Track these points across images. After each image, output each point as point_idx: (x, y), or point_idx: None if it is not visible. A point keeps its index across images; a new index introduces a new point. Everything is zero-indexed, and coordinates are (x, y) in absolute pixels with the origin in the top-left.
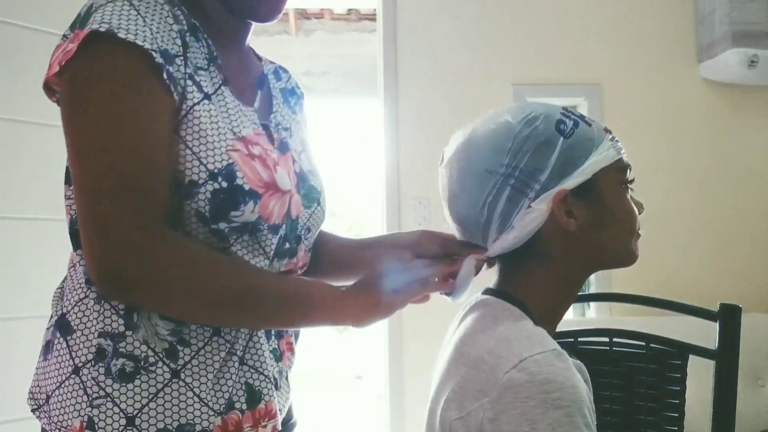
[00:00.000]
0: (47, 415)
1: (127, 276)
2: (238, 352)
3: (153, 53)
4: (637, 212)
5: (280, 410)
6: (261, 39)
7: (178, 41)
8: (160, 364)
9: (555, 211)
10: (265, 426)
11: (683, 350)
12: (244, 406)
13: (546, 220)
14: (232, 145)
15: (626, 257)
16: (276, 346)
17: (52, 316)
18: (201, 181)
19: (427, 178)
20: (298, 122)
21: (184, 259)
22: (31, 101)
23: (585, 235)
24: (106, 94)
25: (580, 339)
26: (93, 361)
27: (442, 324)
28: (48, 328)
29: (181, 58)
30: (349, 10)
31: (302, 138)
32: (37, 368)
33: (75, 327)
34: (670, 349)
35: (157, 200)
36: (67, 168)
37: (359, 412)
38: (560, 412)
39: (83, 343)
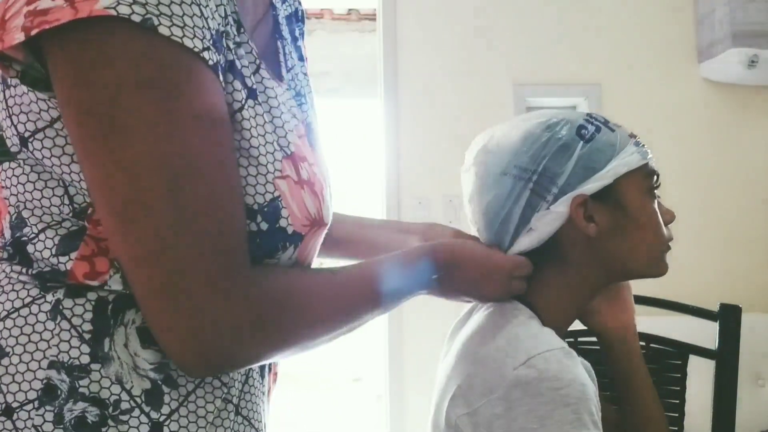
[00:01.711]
0: None
1: (232, 354)
2: (234, 399)
3: (206, 53)
4: (662, 221)
5: None
6: None
7: (222, 10)
8: (137, 412)
9: (573, 215)
10: None
11: (683, 350)
12: None
13: (566, 225)
14: (280, 169)
15: (652, 267)
16: (269, 385)
17: None
18: None
19: (427, 178)
20: (305, 73)
21: (286, 310)
22: None
23: (605, 241)
24: (158, 116)
25: (580, 339)
26: (37, 402)
27: (442, 324)
28: None
29: (224, 34)
30: (349, 10)
31: (311, 100)
32: None
33: (8, 349)
34: (670, 349)
35: (242, 242)
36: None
37: (358, 414)
38: (568, 409)
39: (23, 374)
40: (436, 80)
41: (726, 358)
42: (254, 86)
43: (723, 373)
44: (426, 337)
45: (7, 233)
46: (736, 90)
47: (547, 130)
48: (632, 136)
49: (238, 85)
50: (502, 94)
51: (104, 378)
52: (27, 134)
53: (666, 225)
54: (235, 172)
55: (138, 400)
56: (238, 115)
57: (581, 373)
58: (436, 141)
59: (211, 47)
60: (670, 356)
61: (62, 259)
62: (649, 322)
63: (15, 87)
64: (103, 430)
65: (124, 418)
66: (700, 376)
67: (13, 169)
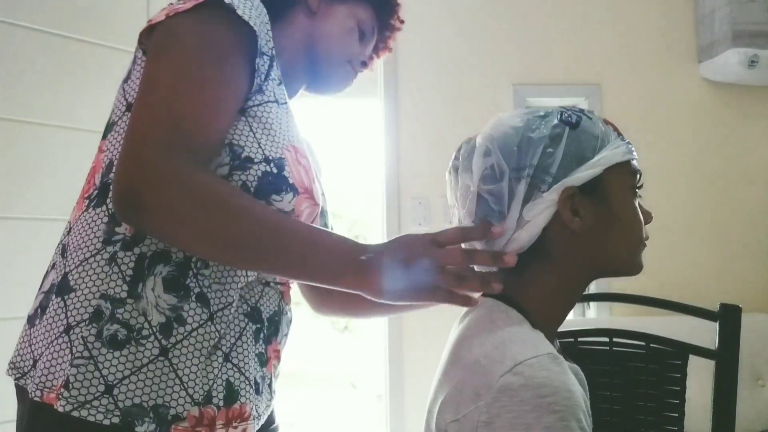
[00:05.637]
0: (33, 380)
1: (140, 195)
2: (224, 348)
3: (258, 37)
4: (643, 220)
5: (257, 415)
6: None
7: (271, 44)
8: (152, 338)
9: (560, 207)
10: (235, 427)
11: (683, 350)
12: (221, 403)
13: (552, 220)
14: (287, 146)
15: (630, 266)
16: (263, 351)
17: (47, 278)
18: (256, 160)
19: (427, 178)
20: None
21: (199, 193)
22: (31, 101)
23: (589, 237)
24: (196, 46)
25: (580, 339)
26: (87, 321)
27: (442, 324)
28: (43, 292)
29: (270, 58)
30: None
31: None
32: (21, 338)
33: (75, 286)
34: (670, 349)
35: (199, 147)
36: (108, 123)
37: (358, 414)
38: (555, 417)
39: (81, 302)
40: (436, 80)
41: (726, 358)
42: (280, 101)
43: (723, 373)
44: (426, 339)
45: (98, 181)
46: (736, 90)
47: (532, 123)
48: (607, 123)
49: (273, 92)
50: (501, 94)
51: (134, 310)
52: (132, 100)
53: (644, 224)
54: (225, 108)
55: (155, 329)
56: (267, 104)
57: (568, 379)
58: (436, 141)
59: (260, 38)
60: (670, 356)
61: None
62: (649, 322)
63: (134, 72)
64: (127, 346)
65: (143, 341)
66: (700, 376)
67: (113, 135)
